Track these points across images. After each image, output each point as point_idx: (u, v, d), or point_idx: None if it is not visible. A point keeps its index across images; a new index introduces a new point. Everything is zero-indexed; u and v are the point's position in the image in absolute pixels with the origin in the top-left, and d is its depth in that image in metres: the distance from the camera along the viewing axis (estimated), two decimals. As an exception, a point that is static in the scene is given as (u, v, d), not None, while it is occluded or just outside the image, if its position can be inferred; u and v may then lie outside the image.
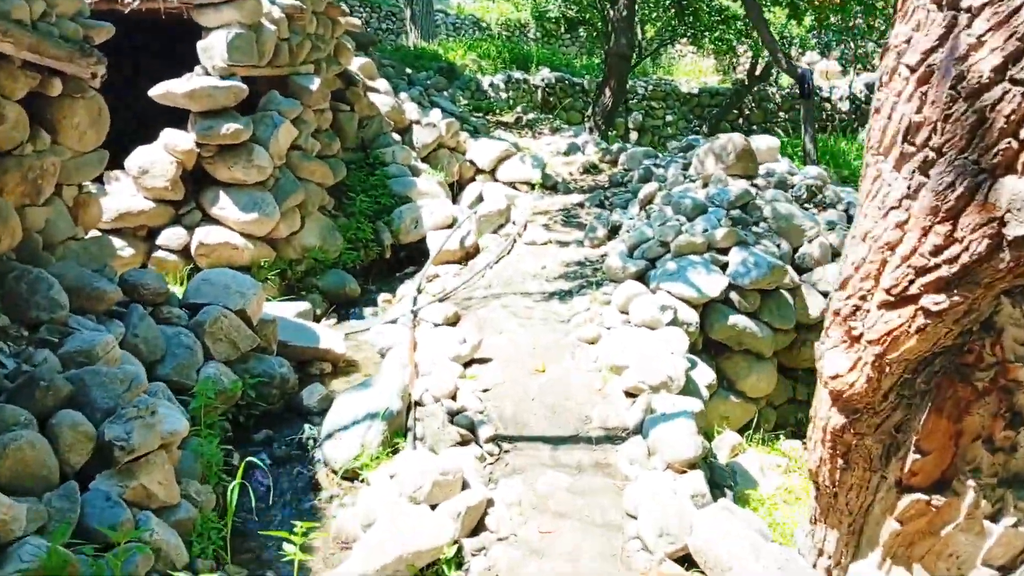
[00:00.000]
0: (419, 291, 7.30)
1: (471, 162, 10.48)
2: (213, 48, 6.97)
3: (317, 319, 6.97)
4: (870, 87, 21.79)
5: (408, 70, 14.13)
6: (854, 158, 14.38)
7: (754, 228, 7.19)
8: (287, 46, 7.51)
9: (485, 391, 5.09)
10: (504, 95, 18.68)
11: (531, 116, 15.18)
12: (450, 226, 8.53)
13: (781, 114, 22.42)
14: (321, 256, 7.64)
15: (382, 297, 7.63)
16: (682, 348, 5.44)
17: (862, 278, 2.63)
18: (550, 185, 10.30)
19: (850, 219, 7.69)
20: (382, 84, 10.00)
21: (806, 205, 7.80)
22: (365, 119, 9.23)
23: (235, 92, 6.85)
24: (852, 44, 19.56)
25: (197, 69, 7.06)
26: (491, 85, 18.61)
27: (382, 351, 6.07)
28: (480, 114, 15.73)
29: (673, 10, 16.18)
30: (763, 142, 8.96)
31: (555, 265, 7.59)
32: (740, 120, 22.28)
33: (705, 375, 5.47)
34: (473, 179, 10.46)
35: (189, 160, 6.94)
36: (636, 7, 13.95)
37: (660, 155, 10.45)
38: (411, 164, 9.38)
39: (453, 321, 6.44)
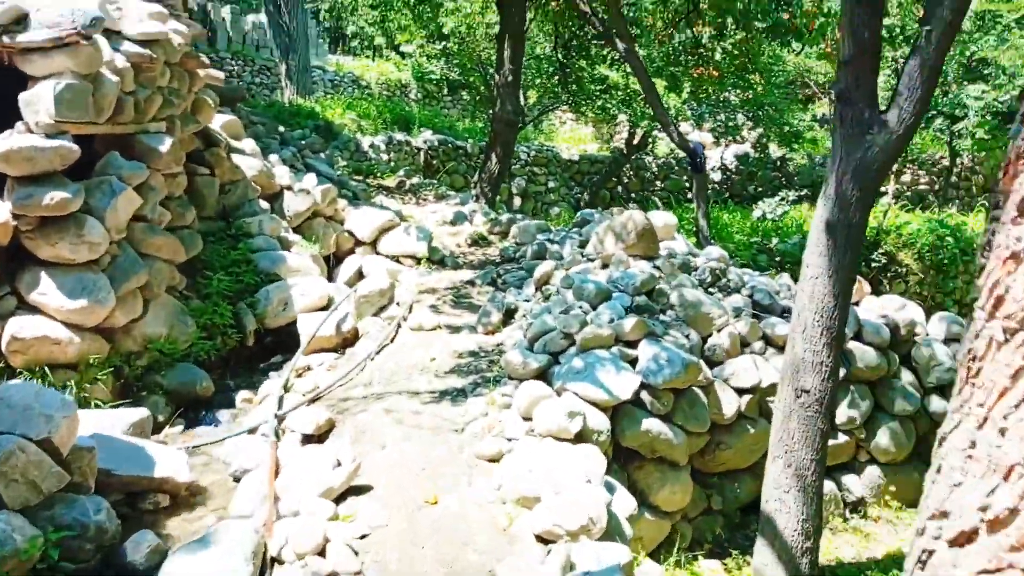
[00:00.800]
0: (286, 389, 6.16)
1: (350, 233, 9.44)
2: (38, 101, 5.71)
3: (159, 428, 5.70)
4: (739, 157, 22.28)
5: (281, 128, 13.01)
6: (736, 231, 14.28)
7: (661, 316, 6.51)
8: (132, 100, 6.33)
9: (363, 537, 4.02)
10: (385, 157, 17.75)
11: (415, 180, 14.30)
12: (325, 307, 7.45)
13: (658, 183, 22.56)
14: (168, 347, 6.38)
15: (241, 396, 6.40)
16: (599, 471, 4.57)
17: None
18: (437, 259, 9.38)
19: (755, 304, 7.17)
20: (249, 144, 8.86)
21: (710, 290, 7.22)
22: (228, 184, 8.07)
23: (62, 154, 5.60)
24: (724, 116, 19.87)
25: (18, 125, 5.78)
26: (372, 146, 17.66)
27: (236, 474, 4.89)
28: (360, 177, 14.73)
29: (556, 77, 15.84)
30: (660, 219, 8.41)
31: (446, 356, 6.63)
32: (619, 188, 22.25)
33: (625, 503, 4.61)
34: (352, 251, 9.41)
35: (3, 235, 5.62)
36: (521, 72, 13.44)
37: (553, 229, 9.76)
38: (281, 235, 8.26)
39: (325, 430, 5.35)
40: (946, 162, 20.20)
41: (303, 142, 11.82)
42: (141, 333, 6.34)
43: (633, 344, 6.00)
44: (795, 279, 13.28)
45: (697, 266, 7.44)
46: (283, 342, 7.40)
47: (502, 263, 9.37)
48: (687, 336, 6.34)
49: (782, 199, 11.59)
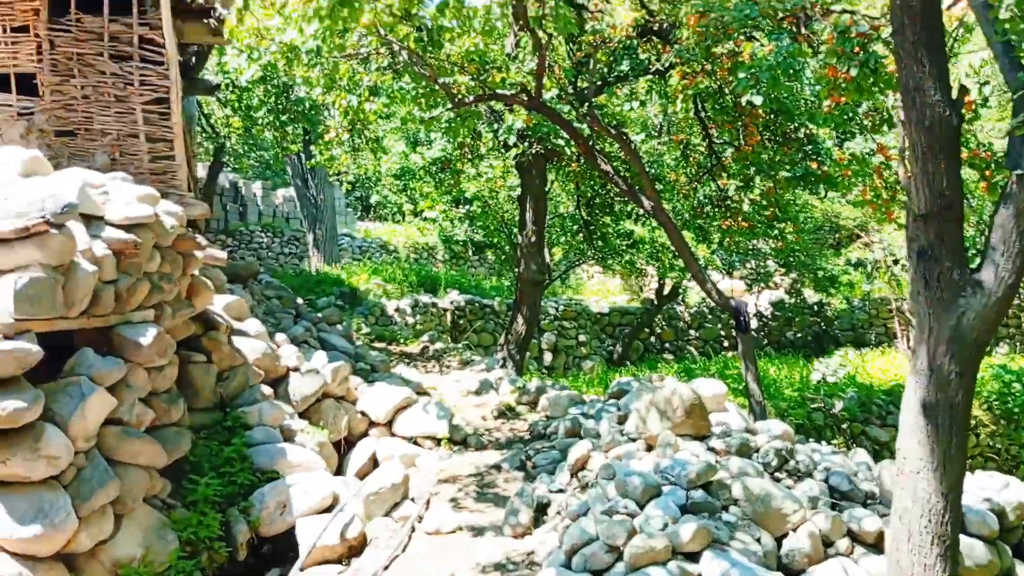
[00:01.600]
0: (276, 623, 5.03)
1: (363, 414, 8.50)
2: None
3: None
4: (775, 304, 21.38)
5: (301, 300, 12.42)
6: (785, 385, 13.13)
7: (723, 515, 5.36)
8: (113, 290, 5.62)
9: None
10: (411, 320, 17.13)
11: (438, 346, 13.49)
12: (329, 508, 6.39)
13: (692, 332, 21.63)
14: (143, 571, 5.34)
15: (225, 632, 5.28)
16: None
17: None
18: (459, 439, 8.36)
19: (832, 491, 5.99)
20: (253, 325, 8.13)
21: (777, 475, 6.07)
22: (226, 370, 7.25)
23: (18, 358, 4.81)
24: (755, 263, 19.18)
25: (-23, 325, 5.05)
26: (397, 310, 17.09)
27: None
28: (383, 344, 13.99)
29: (581, 234, 15.32)
30: (708, 389, 7.38)
31: (466, 571, 5.48)
32: (652, 339, 21.35)
33: None
34: (366, 434, 8.44)
35: (-52, 450, 4.76)
36: (545, 232, 12.89)
37: (587, 399, 8.74)
38: (283, 424, 7.33)
39: None
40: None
41: (319, 315, 11.12)
42: (110, 557, 5.32)
43: (694, 556, 4.83)
44: (858, 443, 12.06)
45: (758, 446, 6.33)
46: (281, 552, 6.30)
47: (532, 440, 8.32)
48: (758, 539, 5.16)
49: (842, 361, 10.56)
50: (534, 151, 10.30)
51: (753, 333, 8.11)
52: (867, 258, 19.45)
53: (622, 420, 7.27)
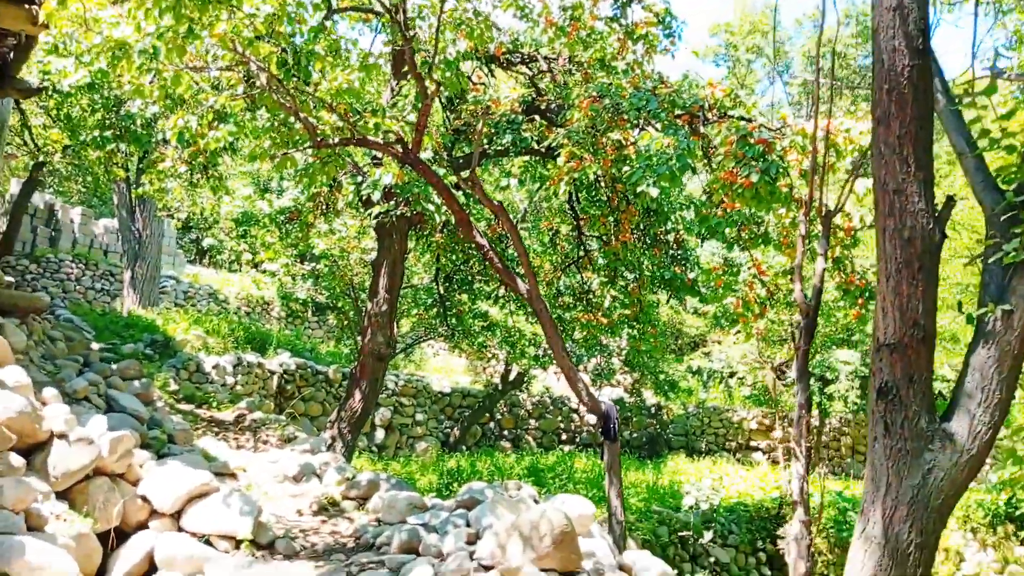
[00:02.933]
0: None
1: (145, 499, 6.65)
2: None
3: None
4: (616, 401, 20.99)
5: (96, 346, 10.30)
6: (630, 492, 12.28)
7: None
8: None
9: None
10: (231, 380, 15.01)
11: (257, 416, 11.64)
12: (70, 641, 4.60)
13: (532, 422, 20.72)
14: None
15: None
16: None
17: None
18: (266, 542, 6.69)
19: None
20: (13, 373, 6.20)
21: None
22: (-41, 435, 5.33)
23: None
24: (603, 359, 18.70)
25: None
26: (216, 368, 14.92)
27: None
28: (192, 406, 11.95)
29: (435, 309, 14.11)
30: (574, 508, 6.24)
31: None
32: (491, 424, 20.25)
33: None
34: (145, 526, 6.59)
35: None
36: (397, 302, 11.58)
37: (429, 504, 7.33)
38: (31, 508, 5.46)
39: None
40: (816, 422, 19.52)
41: (114, 366, 9.13)
42: None
43: None
44: (699, 564, 11.36)
45: (630, 589, 5.22)
46: None
47: (357, 550, 6.79)
48: None
49: (714, 487, 9.83)
50: (399, 213, 9.08)
51: (620, 438, 7.24)
52: (706, 367, 19.48)
53: (473, 540, 5.96)
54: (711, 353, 19.97)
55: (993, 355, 3.31)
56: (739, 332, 18.27)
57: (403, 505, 7.11)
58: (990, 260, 3.46)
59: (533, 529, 5.19)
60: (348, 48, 7.10)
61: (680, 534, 10.49)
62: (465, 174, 7.93)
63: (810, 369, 16.89)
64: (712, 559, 10.80)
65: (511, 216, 13.23)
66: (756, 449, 20.38)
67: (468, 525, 6.26)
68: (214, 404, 12.47)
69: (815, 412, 19.58)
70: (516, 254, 8.25)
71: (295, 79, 7.08)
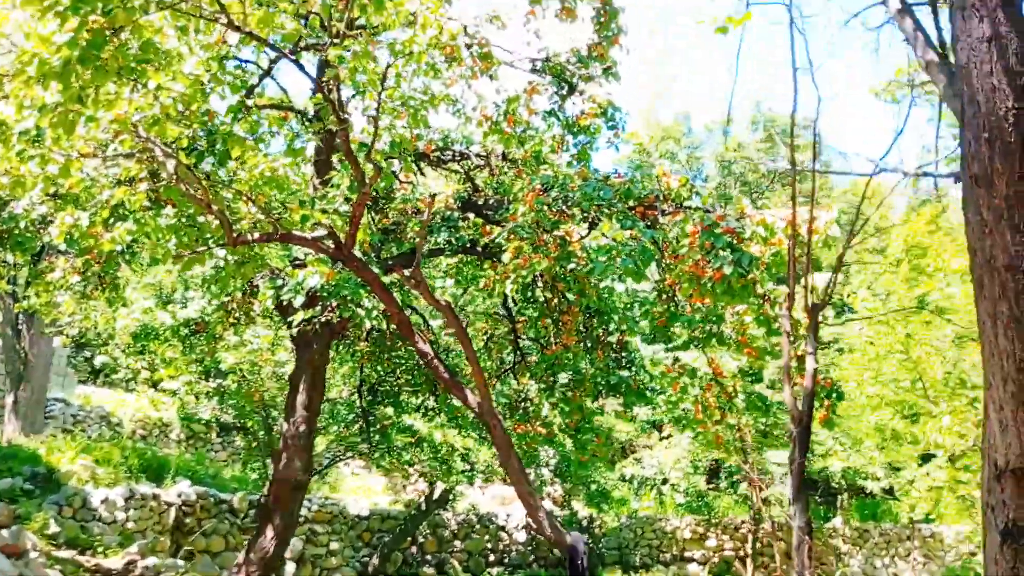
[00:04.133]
0: None
1: None
2: None
3: None
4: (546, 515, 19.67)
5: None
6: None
7: None
8: None
9: None
10: (122, 516, 13.02)
11: (150, 562, 9.88)
12: None
13: (457, 543, 19.03)
14: None
15: None
16: None
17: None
18: None
19: None
20: None
21: None
22: None
23: None
24: (533, 470, 17.56)
25: None
26: (105, 502, 12.90)
27: None
28: (74, 552, 10.06)
29: (358, 425, 12.75)
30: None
31: None
32: (413, 549, 18.44)
33: None
34: None
35: None
36: (316, 422, 10.25)
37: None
38: None
39: None
40: (749, 526, 18.73)
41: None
42: None
43: None
44: None
45: None
46: None
47: None
48: None
49: None
50: (324, 319, 7.98)
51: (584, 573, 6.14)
52: (638, 474, 18.55)
53: None
54: (642, 459, 19.10)
55: None
56: (676, 434, 17.52)
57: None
58: None
59: None
60: (274, 131, 6.19)
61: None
62: (406, 272, 6.99)
63: (744, 473, 16.17)
64: None
65: (436, 320, 12.25)
66: (691, 560, 19.29)
67: None
68: (99, 548, 10.58)
69: (746, 518, 18.83)
70: (467, 360, 7.27)
71: (208, 168, 6.08)
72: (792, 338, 5.80)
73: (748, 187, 21.54)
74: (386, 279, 8.32)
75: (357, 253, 8.54)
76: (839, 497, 20.31)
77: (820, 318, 7.58)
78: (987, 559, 2.64)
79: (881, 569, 19.66)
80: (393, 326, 7.57)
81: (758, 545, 18.77)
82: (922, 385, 12.62)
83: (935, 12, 5.11)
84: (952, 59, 3.55)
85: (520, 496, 6.31)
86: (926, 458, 14.71)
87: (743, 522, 19.15)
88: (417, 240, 7.22)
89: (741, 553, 19.01)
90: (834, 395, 7.67)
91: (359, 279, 6.97)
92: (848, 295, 16.63)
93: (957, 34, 2.75)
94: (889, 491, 19.81)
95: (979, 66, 2.62)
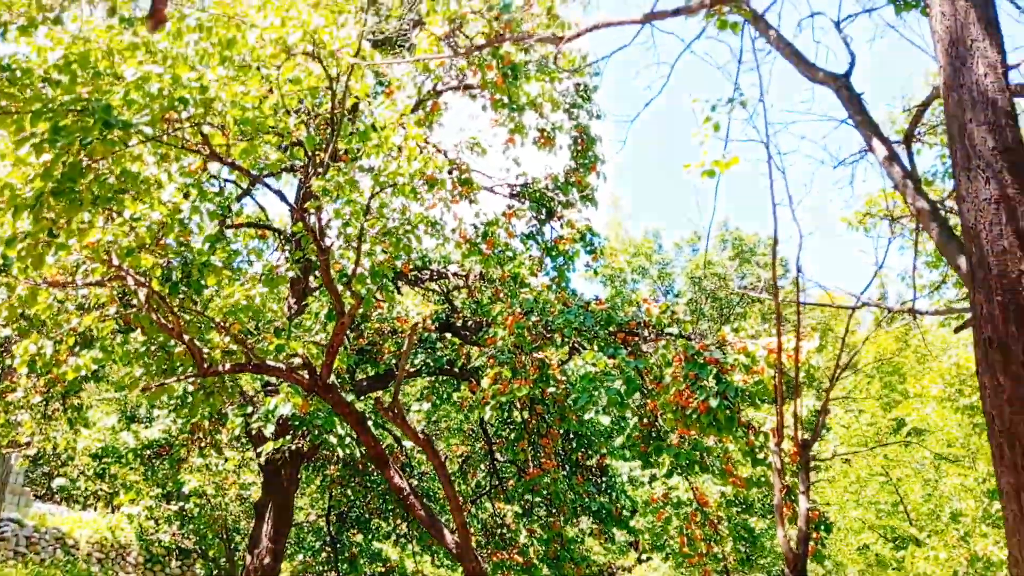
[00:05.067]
0: None
1: None
2: None
3: None
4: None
5: None
6: None
7: None
8: None
9: None
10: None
11: None
12: None
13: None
14: None
15: None
16: None
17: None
18: None
19: None
20: None
21: None
22: None
23: None
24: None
25: None
26: (50, 637, 11.94)
27: None
28: None
29: (324, 554, 11.98)
30: None
31: None
32: None
33: None
34: None
35: None
36: (283, 552, 9.61)
37: None
38: None
39: None
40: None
41: None
42: None
43: None
44: None
45: None
46: None
47: None
48: None
49: None
50: (294, 447, 7.58)
51: None
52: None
53: None
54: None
55: None
56: (652, 555, 16.76)
57: None
58: None
59: None
60: (250, 260, 6.01)
61: None
62: (381, 395, 6.68)
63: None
64: None
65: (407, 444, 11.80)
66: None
67: None
68: None
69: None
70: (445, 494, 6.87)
71: (181, 296, 5.84)
72: (782, 473, 5.54)
73: (719, 302, 21.69)
74: (361, 404, 8.01)
75: (331, 378, 8.25)
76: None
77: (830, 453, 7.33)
78: None
79: None
80: (366, 451, 7.19)
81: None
82: (904, 508, 12.29)
83: (910, 152, 5.19)
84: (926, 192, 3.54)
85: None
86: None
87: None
88: (395, 364, 6.95)
89: None
90: (822, 527, 7.35)
91: (337, 411, 6.64)
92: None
93: (962, 194, 2.69)
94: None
95: (988, 228, 2.53)
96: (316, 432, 7.39)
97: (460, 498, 11.12)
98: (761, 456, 6.96)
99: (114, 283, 6.50)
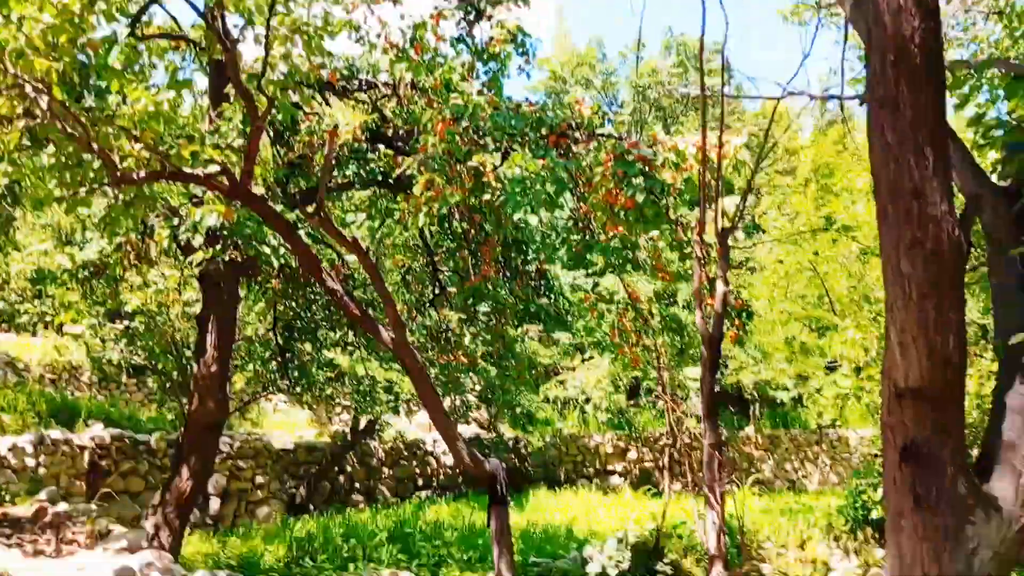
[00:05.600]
0: None
1: None
2: None
3: None
4: (472, 439, 19.91)
5: None
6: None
7: None
8: None
9: None
10: (32, 463, 12.49)
11: (61, 508, 9.49)
12: None
13: (386, 470, 19.15)
14: None
15: None
16: None
17: None
18: None
19: None
20: None
21: None
22: None
23: None
24: (458, 397, 17.67)
25: None
26: (13, 450, 12.32)
27: None
28: (-22, 506, 9.60)
29: (274, 363, 12.42)
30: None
31: None
32: (341, 478, 18.45)
33: None
34: None
35: None
36: (229, 361, 9.91)
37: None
38: None
39: None
40: (666, 440, 19.43)
41: None
42: None
43: None
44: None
45: None
46: None
47: None
48: None
49: (620, 547, 8.83)
50: (227, 259, 7.57)
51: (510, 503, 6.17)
52: (561, 395, 18.90)
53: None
54: (565, 381, 19.42)
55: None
56: (596, 356, 17.80)
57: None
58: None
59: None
60: (153, 63, 5.64)
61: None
62: (311, 208, 6.65)
63: (660, 391, 16.63)
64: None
65: (349, 256, 11.90)
66: (613, 473, 19.99)
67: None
68: (7, 497, 10.13)
69: (663, 430, 19.51)
70: (379, 297, 7.06)
71: (88, 108, 5.53)
72: (704, 262, 5.80)
73: (663, 113, 21.46)
74: (293, 215, 7.95)
75: (260, 190, 8.11)
76: (752, 407, 21.24)
77: (731, 241, 7.63)
78: (886, 477, 2.67)
79: (791, 472, 20.82)
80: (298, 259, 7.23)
81: (676, 456, 19.52)
82: (828, 300, 13.07)
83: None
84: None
85: (437, 427, 6.24)
86: (832, 368, 15.43)
87: (661, 435, 19.86)
88: (329, 166, 6.84)
89: (659, 464, 19.77)
90: (744, 315, 7.80)
91: (263, 219, 6.58)
92: (759, 216, 16.98)
93: (863, -47, 2.63)
94: (798, 400, 20.80)
95: (886, -14, 2.51)
96: (248, 242, 7.36)
97: (404, 305, 11.43)
98: (689, 251, 7.22)
99: (13, 93, 6.10)
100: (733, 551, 12.09)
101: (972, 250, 4.05)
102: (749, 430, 20.68)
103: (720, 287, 5.61)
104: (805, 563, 13.15)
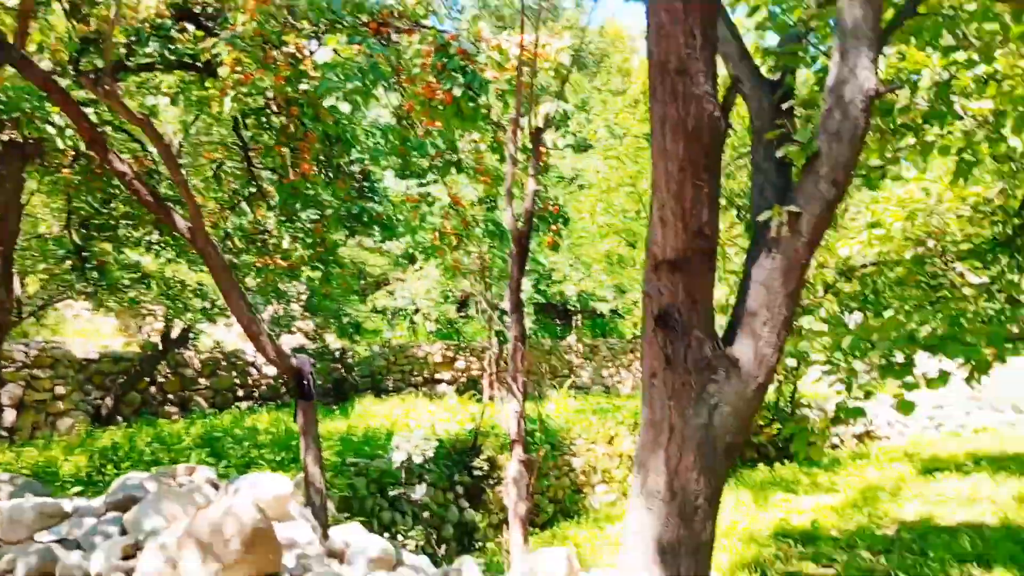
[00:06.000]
0: None
1: None
2: None
3: None
4: (295, 350, 19.51)
5: None
6: (328, 447, 11.15)
7: None
8: None
9: None
10: None
11: None
12: None
13: (202, 381, 18.40)
14: None
15: None
16: None
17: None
18: None
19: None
20: None
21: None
22: None
23: None
24: (281, 306, 17.17)
25: None
26: None
27: None
28: None
29: (69, 262, 11.38)
30: (267, 488, 5.03)
31: None
32: (152, 389, 17.53)
33: None
34: None
35: None
36: (14, 257, 8.98)
37: (70, 505, 5.51)
38: None
39: None
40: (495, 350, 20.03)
41: None
42: None
43: None
44: (398, 508, 10.70)
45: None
46: None
47: (-33, 589, 4.88)
48: None
49: (427, 436, 8.96)
50: (6, 139, 6.75)
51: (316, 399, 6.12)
52: (391, 305, 18.84)
53: (131, 553, 4.48)
54: (395, 291, 19.35)
55: (778, 266, 2.85)
56: (426, 266, 17.82)
57: (32, 516, 5.23)
58: (778, 155, 3.01)
59: (215, 532, 3.92)
60: None
61: (383, 484, 9.75)
62: (102, 85, 6.00)
63: (491, 301, 17.03)
64: (411, 499, 10.21)
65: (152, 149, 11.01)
66: (441, 381, 20.41)
67: (124, 533, 4.73)
68: None
69: (493, 340, 20.09)
70: (175, 183, 6.59)
71: None
72: (515, 161, 5.88)
73: (503, 20, 21.24)
74: (83, 93, 7.19)
75: (48, 65, 7.27)
76: (573, 317, 22.27)
77: (551, 145, 7.76)
78: (644, 342, 2.88)
79: (607, 378, 22.21)
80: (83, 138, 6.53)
81: (500, 364, 20.21)
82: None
83: None
84: None
85: (240, 322, 6.02)
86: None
87: (487, 343, 20.44)
88: (108, 45, 6.16)
89: (485, 371, 20.41)
90: (560, 220, 8.04)
91: (41, 90, 5.87)
92: (588, 133, 17.42)
93: None
94: (616, 311, 22.04)
95: None
96: (28, 119, 6.58)
97: (214, 202, 10.79)
98: (508, 153, 7.27)
99: None
100: (548, 447, 12.84)
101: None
102: (571, 339, 21.74)
103: (531, 184, 5.73)
104: (612, 456, 14.25)
